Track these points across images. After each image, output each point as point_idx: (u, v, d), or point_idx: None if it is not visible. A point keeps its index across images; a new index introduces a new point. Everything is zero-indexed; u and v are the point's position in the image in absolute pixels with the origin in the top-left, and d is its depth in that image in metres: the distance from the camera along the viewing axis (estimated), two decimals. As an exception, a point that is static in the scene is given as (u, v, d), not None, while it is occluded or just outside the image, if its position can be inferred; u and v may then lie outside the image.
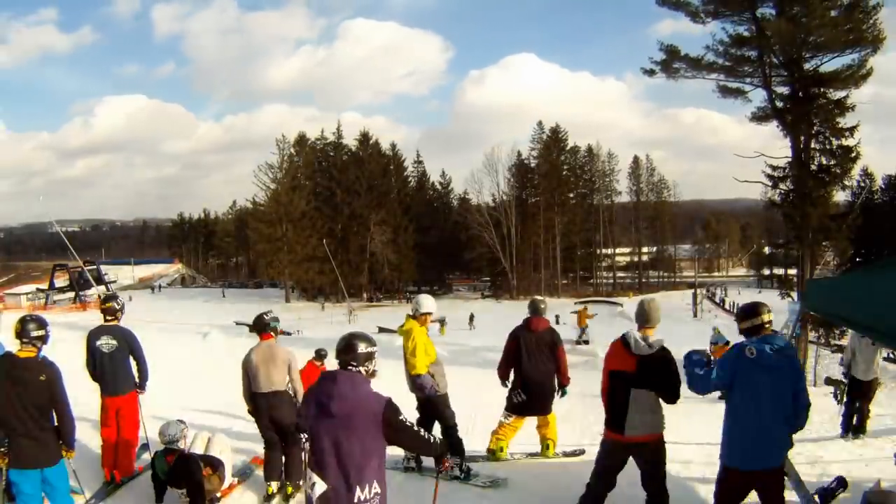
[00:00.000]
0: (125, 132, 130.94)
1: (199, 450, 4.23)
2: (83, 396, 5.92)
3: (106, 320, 4.43)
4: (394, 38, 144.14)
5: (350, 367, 2.47)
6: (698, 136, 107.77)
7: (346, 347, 2.49)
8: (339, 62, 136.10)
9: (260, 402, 4.16)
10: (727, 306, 43.30)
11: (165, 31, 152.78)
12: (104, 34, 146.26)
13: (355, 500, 2.33)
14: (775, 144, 15.27)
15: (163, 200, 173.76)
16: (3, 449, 3.16)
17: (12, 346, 3.40)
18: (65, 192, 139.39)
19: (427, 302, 4.61)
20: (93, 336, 4.38)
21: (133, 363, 4.45)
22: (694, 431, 5.75)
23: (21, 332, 3.25)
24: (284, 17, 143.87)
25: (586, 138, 69.10)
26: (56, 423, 3.25)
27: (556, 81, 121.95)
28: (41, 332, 3.30)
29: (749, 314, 3.14)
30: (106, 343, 4.33)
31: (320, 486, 2.36)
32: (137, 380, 4.47)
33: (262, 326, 4.28)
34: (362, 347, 2.49)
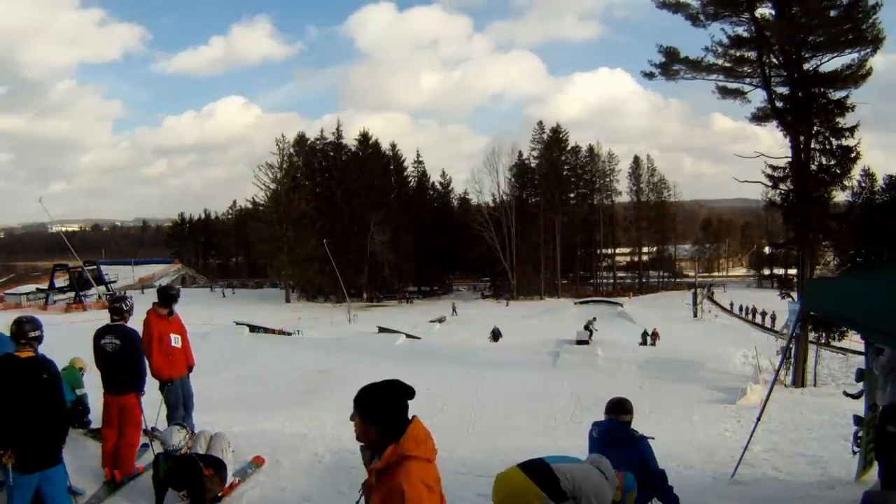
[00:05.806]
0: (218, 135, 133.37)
1: (200, 450, 4.22)
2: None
3: (112, 320, 4.47)
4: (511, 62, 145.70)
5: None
6: (730, 141, 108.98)
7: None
8: (460, 81, 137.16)
9: None
10: (721, 302, 43.35)
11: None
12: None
13: None
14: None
15: (194, 199, 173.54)
16: (7, 452, 3.15)
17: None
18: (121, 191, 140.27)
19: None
20: (98, 335, 4.43)
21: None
22: (694, 431, 5.75)
23: (18, 334, 3.25)
24: (464, 42, 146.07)
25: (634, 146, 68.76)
26: (53, 423, 3.25)
27: (629, 95, 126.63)
28: (37, 333, 3.31)
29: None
30: (110, 343, 4.37)
31: None
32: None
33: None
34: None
